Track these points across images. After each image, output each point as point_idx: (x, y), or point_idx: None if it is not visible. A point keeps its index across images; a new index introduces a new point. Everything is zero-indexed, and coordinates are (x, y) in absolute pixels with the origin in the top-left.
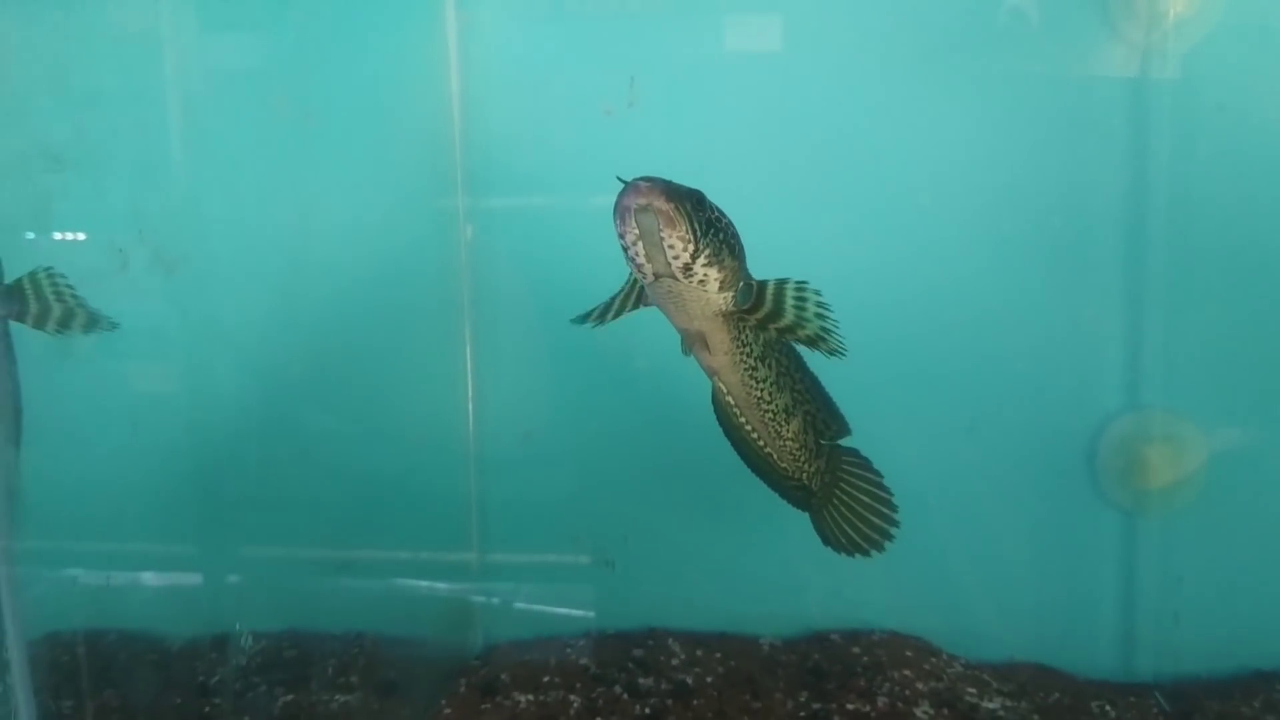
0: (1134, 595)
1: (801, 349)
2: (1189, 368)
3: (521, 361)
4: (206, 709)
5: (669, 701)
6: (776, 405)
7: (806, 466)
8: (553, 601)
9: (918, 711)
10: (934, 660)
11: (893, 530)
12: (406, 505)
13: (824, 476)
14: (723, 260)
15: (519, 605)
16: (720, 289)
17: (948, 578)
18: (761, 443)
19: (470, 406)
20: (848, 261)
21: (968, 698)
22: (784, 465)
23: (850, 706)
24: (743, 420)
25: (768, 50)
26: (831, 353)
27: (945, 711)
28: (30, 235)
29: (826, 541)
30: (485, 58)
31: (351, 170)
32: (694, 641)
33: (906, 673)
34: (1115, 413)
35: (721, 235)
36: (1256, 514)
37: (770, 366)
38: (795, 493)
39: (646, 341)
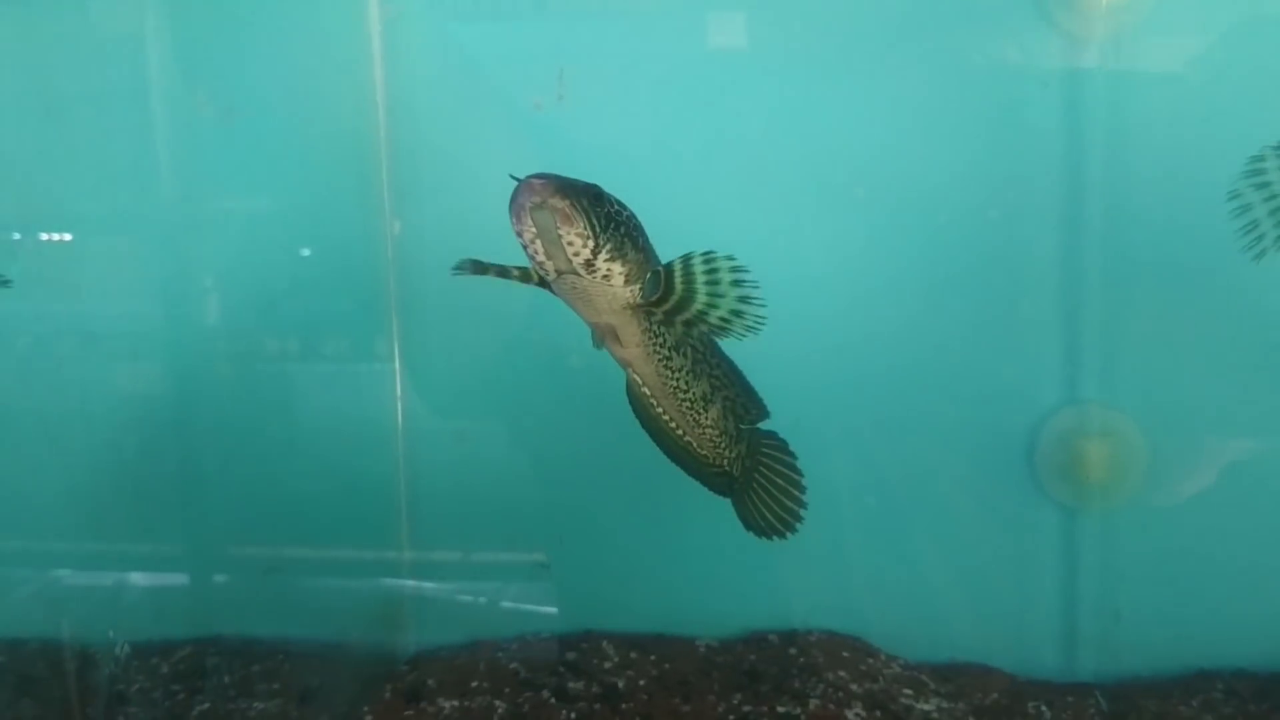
0: (1075, 593)
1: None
2: (1127, 362)
3: (453, 360)
4: (120, 718)
5: (597, 706)
6: (694, 393)
7: (727, 453)
8: (486, 605)
9: (849, 714)
10: (871, 661)
11: (802, 512)
12: (334, 508)
13: (744, 461)
14: (625, 254)
15: (451, 609)
16: (626, 282)
17: (887, 577)
18: (680, 431)
19: (399, 406)
20: (779, 256)
21: (903, 699)
22: (704, 453)
23: (781, 709)
24: (660, 410)
25: (696, 43)
26: (749, 329)
27: (878, 713)
28: None
29: (748, 526)
30: (410, 51)
31: (274, 166)
32: (629, 644)
33: (842, 674)
34: (1054, 408)
35: (623, 229)
36: (1197, 509)
37: (685, 355)
38: (717, 479)
39: (579, 340)
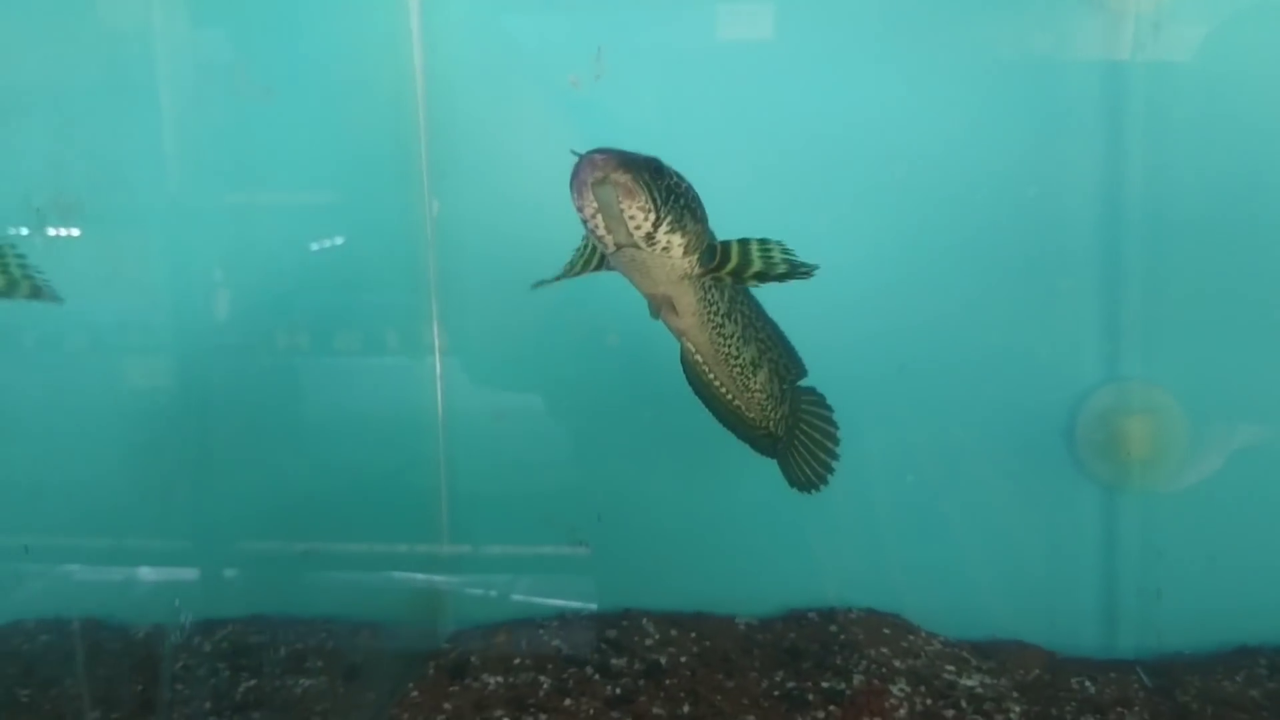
0: (1115, 570)
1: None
2: (1168, 339)
3: (491, 341)
4: (168, 695)
5: (641, 681)
6: (744, 359)
7: (773, 414)
8: (525, 584)
9: (894, 689)
10: (912, 638)
11: (834, 464)
12: (375, 489)
13: (788, 421)
14: (685, 225)
15: (490, 588)
16: (685, 253)
17: (926, 555)
18: (730, 396)
19: (439, 387)
20: (819, 239)
21: (945, 675)
22: (752, 415)
23: (825, 685)
24: (712, 377)
25: (737, 26)
26: (806, 274)
27: (922, 689)
28: None
29: (791, 483)
30: (449, 31)
31: (313, 147)
32: (669, 622)
33: (884, 650)
34: (1093, 386)
35: (682, 200)
36: (1237, 486)
37: (736, 321)
38: (764, 441)
39: (618, 319)
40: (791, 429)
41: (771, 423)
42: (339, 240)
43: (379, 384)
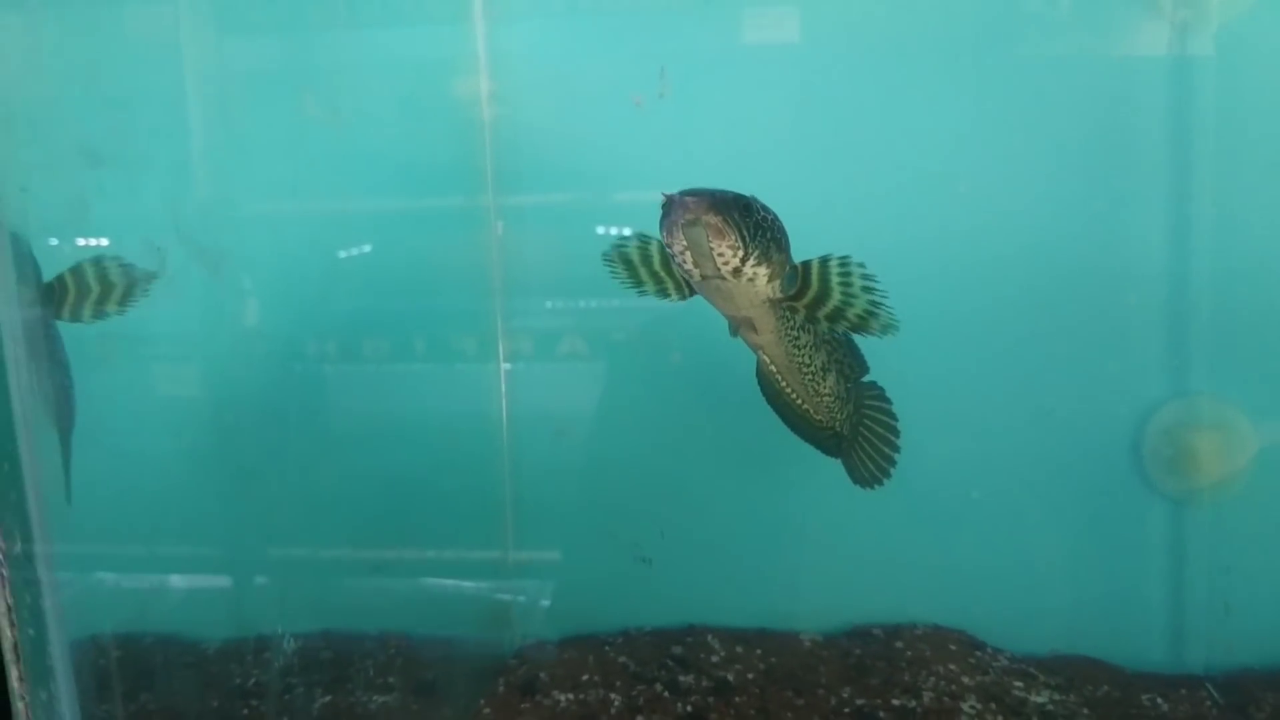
0: (1183, 586)
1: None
2: (1237, 353)
3: (554, 358)
4: (245, 711)
5: (711, 699)
6: (815, 365)
7: (839, 414)
8: (589, 599)
9: (965, 706)
10: (979, 654)
11: (896, 456)
12: (440, 504)
13: (852, 419)
14: (770, 257)
15: (555, 603)
16: (768, 281)
17: (991, 570)
18: (800, 402)
19: (503, 404)
20: (886, 254)
21: (1015, 691)
22: (819, 418)
23: (896, 702)
24: (784, 386)
25: (795, 41)
26: (885, 329)
27: (993, 705)
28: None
29: (855, 479)
30: (513, 51)
31: (381, 168)
32: (733, 638)
33: (952, 667)
34: (1161, 400)
35: (768, 234)
36: None
37: (810, 331)
38: (830, 441)
39: (681, 335)
40: (855, 426)
41: (838, 423)
42: (409, 256)
43: (445, 403)
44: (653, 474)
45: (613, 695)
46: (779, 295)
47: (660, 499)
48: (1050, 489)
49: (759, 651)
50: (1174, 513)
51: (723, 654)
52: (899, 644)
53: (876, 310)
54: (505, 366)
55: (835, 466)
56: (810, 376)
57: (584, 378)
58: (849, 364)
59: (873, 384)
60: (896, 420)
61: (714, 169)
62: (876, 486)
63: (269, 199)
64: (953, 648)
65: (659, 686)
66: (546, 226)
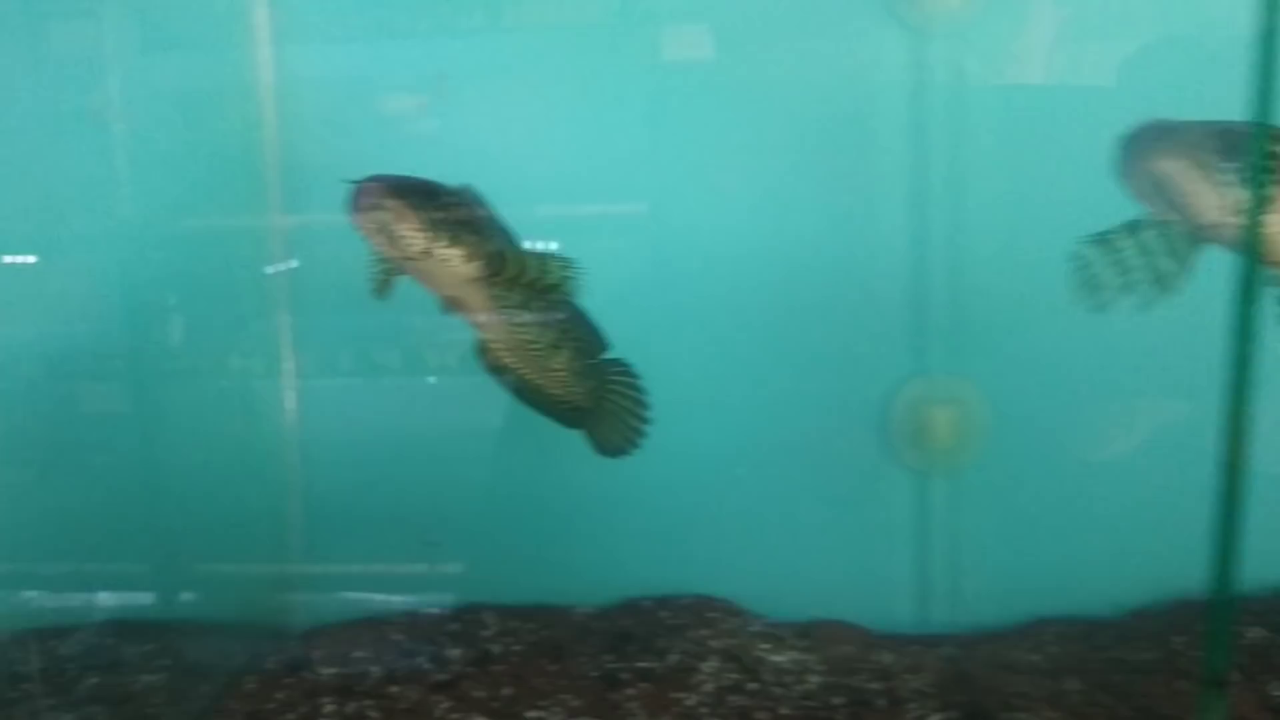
0: (925, 551)
1: None
2: (969, 335)
3: (342, 370)
4: (14, 695)
5: (469, 669)
6: (543, 343)
7: (577, 389)
8: (376, 584)
9: (704, 666)
10: (736, 620)
11: (645, 428)
12: (225, 489)
13: (594, 393)
14: (460, 238)
15: (340, 588)
16: (466, 261)
17: (755, 542)
18: (531, 375)
19: (292, 401)
20: (649, 249)
21: (757, 652)
22: (555, 392)
23: (641, 665)
24: (511, 360)
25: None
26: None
27: (731, 664)
28: None
29: (600, 450)
30: (298, 69)
31: (160, 177)
32: (509, 615)
33: (704, 632)
34: (903, 379)
35: (454, 217)
36: (1035, 470)
37: (535, 310)
38: (570, 414)
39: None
40: (600, 400)
41: (577, 397)
42: (192, 268)
43: (229, 399)
44: (440, 460)
45: (374, 669)
46: (481, 274)
47: (448, 484)
48: (807, 464)
49: (531, 625)
50: (917, 483)
51: (496, 629)
52: (664, 613)
53: (565, 281)
54: (293, 381)
55: None
56: (539, 353)
57: (372, 375)
58: (587, 342)
59: (618, 360)
60: (644, 394)
61: (483, 174)
62: (623, 456)
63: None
64: (711, 615)
65: (422, 659)
66: (330, 233)
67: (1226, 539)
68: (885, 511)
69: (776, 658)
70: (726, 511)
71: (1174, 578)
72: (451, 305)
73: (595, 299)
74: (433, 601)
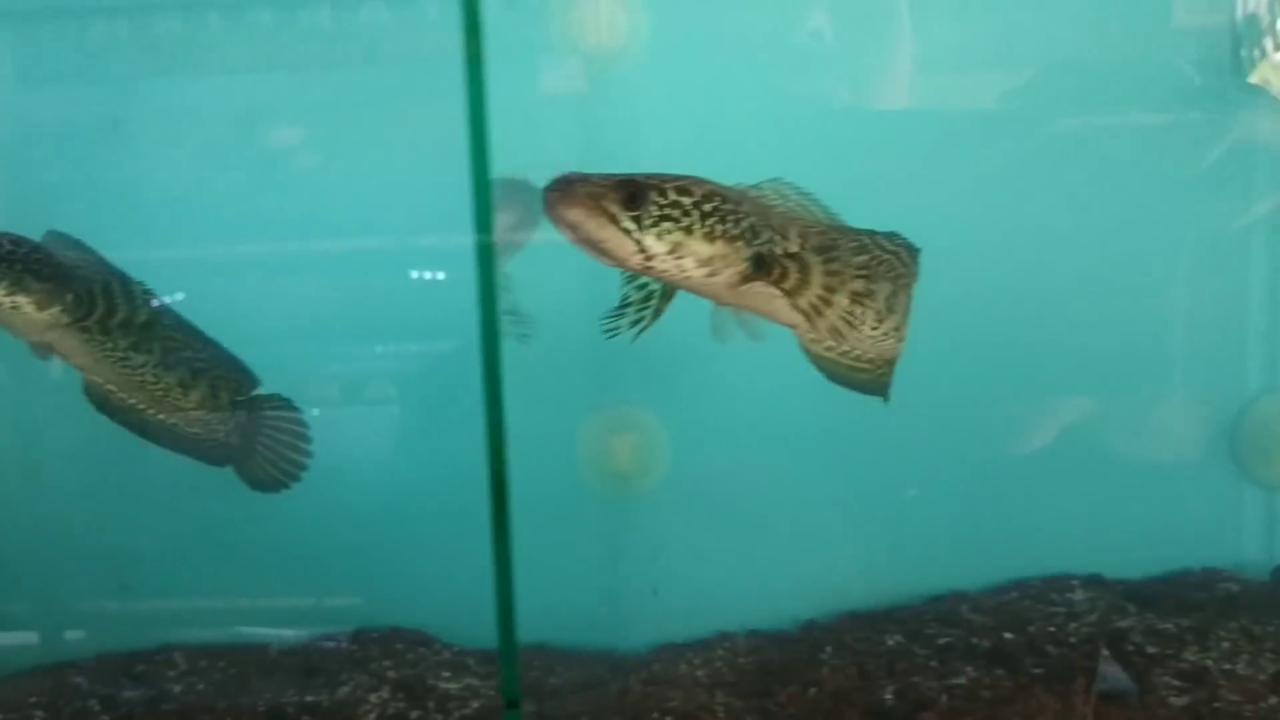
0: (618, 571)
1: None
2: (654, 369)
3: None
4: None
5: (138, 710)
6: (168, 382)
7: (220, 426)
8: (67, 625)
9: (372, 697)
10: (424, 650)
11: (307, 460)
12: None
13: (245, 428)
14: (28, 288)
15: (29, 632)
16: (39, 309)
17: (449, 572)
18: (163, 416)
19: None
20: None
21: (432, 680)
22: (195, 430)
23: (310, 699)
24: (134, 402)
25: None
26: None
27: (400, 694)
28: None
29: (254, 486)
30: None
31: None
32: (203, 654)
33: (388, 663)
34: (591, 410)
35: (18, 268)
36: (718, 490)
37: (150, 352)
38: (214, 451)
39: None
40: (252, 435)
41: (223, 433)
42: None
43: None
44: (130, 500)
45: (40, 713)
46: (66, 320)
47: (139, 526)
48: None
49: (221, 664)
50: (608, 508)
51: (184, 668)
52: (354, 646)
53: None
54: None
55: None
56: (164, 392)
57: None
58: (234, 380)
59: (275, 395)
60: (305, 428)
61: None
62: (280, 490)
63: None
64: (400, 646)
65: (94, 701)
66: None
67: (502, 577)
68: (579, 535)
69: (449, 685)
70: (430, 544)
71: (848, 589)
72: (43, 350)
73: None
74: (127, 642)
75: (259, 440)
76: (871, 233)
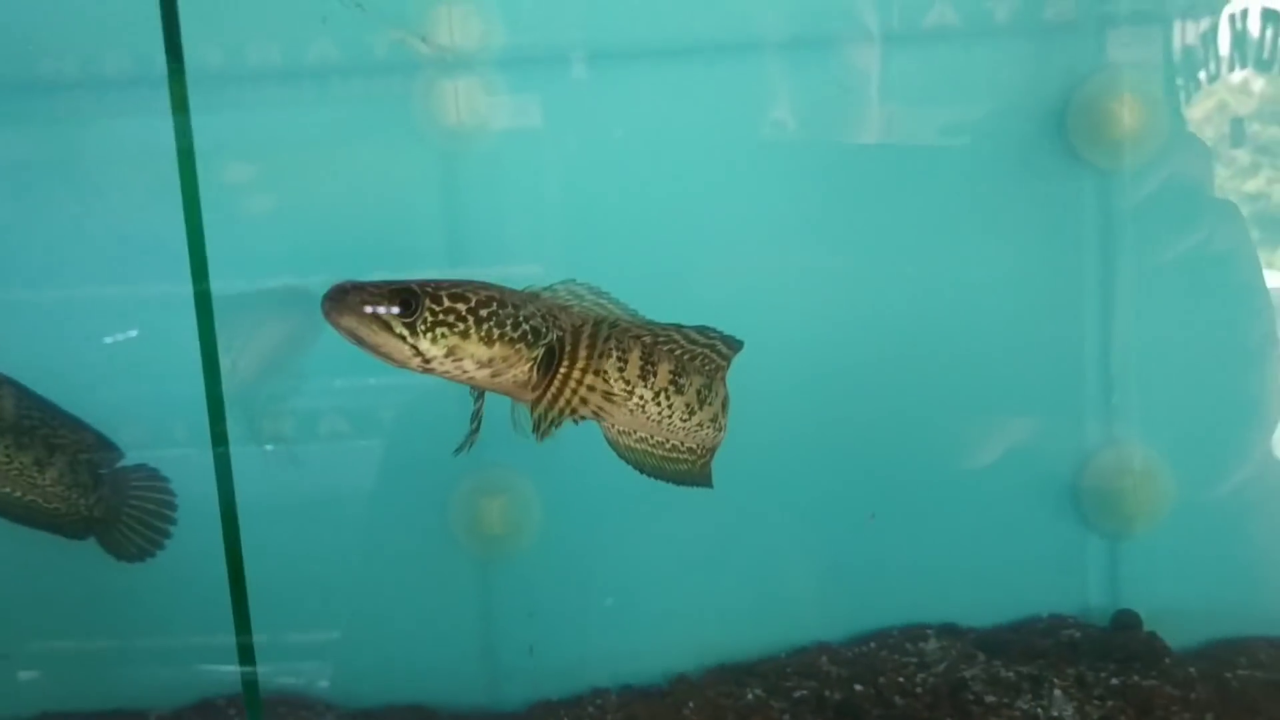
0: (494, 632)
1: None
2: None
3: None
4: None
5: None
6: (24, 461)
7: (82, 501)
8: None
9: None
10: (306, 713)
11: (171, 528)
12: None
13: (109, 501)
14: None
15: None
16: None
17: (331, 635)
18: (19, 494)
19: None
20: None
21: None
22: (53, 506)
23: None
24: None
25: None
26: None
27: None
28: None
29: (119, 556)
30: None
31: None
32: None
33: None
34: (460, 473)
35: None
36: (591, 547)
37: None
38: (75, 525)
39: None
40: (116, 507)
41: (83, 508)
42: None
43: None
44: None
45: None
46: None
47: (14, 597)
48: (373, 558)
49: None
50: (479, 569)
51: None
52: (232, 710)
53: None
54: None
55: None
56: (19, 472)
57: None
58: (96, 454)
59: (143, 466)
60: (171, 496)
61: None
62: (146, 560)
63: None
64: (282, 709)
65: None
66: None
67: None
68: (454, 596)
69: None
70: (309, 607)
71: (718, 643)
72: None
73: None
74: (6, 710)
75: (124, 511)
76: (679, 326)
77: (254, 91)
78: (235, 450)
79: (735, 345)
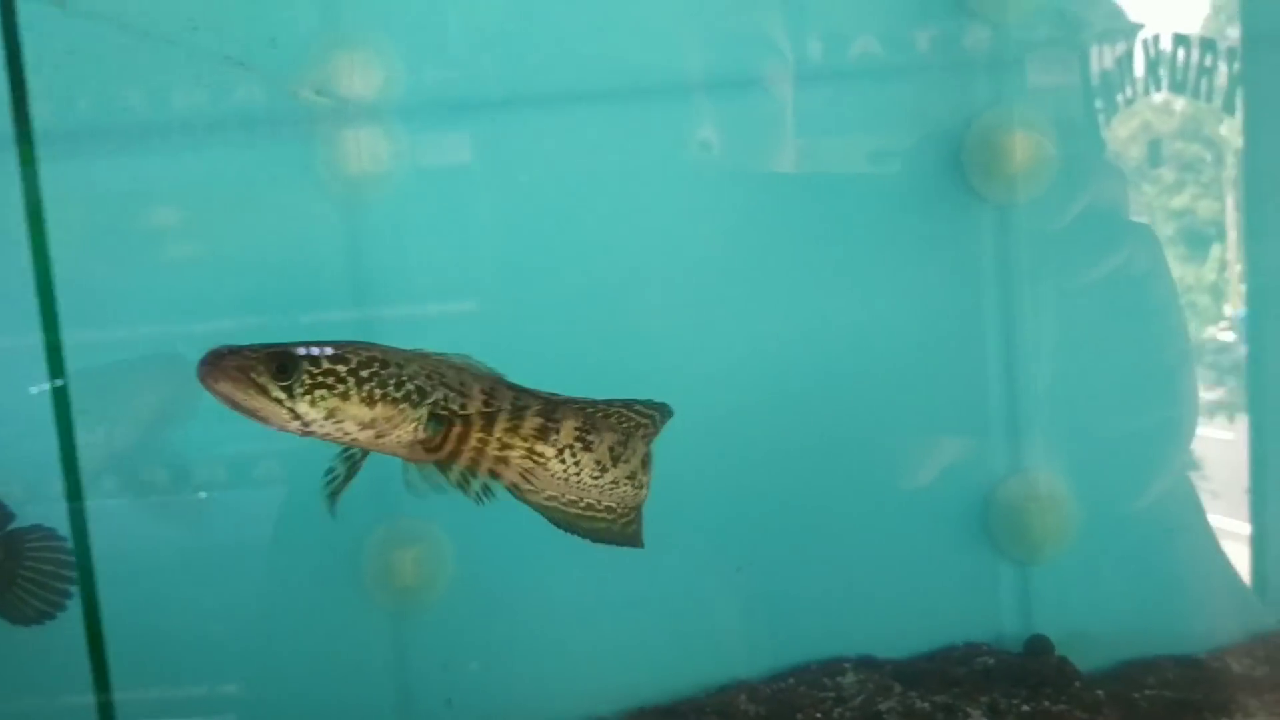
0: (410, 685)
1: None
2: None
3: None
4: None
5: None
6: None
7: None
8: None
9: None
10: None
11: (70, 588)
12: None
13: (3, 565)
14: None
15: None
16: None
17: (239, 690)
18: None
19: None
20: None
21: None
22: None
23: None
24: None
25: None
26: None
27: None
28: None
29: (14, 620)
30: None
31: None
32: None
33: None
34: (373, 523)
35: None
36: (506, 595)
37: None
38: None
39: None
40: (12, 569)
41: None
42: None
43: None
44: None
45: None
46: None
47: None
48: (284, 612)
49: None
50: (393, 622)
51: None
52: None
53: None
54: None
55: None
56: None
57: None
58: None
59: (38, 526)
60: (69, 555)
61: None
62: (46, 622)
63: None
64: None
65: None
66: None
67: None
68: (365, 648)
69: None
70: (210, 660)
71: (638, 685)
72: None
73: None
74: None
75: (19, 574)
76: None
77: (162, 140)
78: (134, 503)
79: (658, 407)
